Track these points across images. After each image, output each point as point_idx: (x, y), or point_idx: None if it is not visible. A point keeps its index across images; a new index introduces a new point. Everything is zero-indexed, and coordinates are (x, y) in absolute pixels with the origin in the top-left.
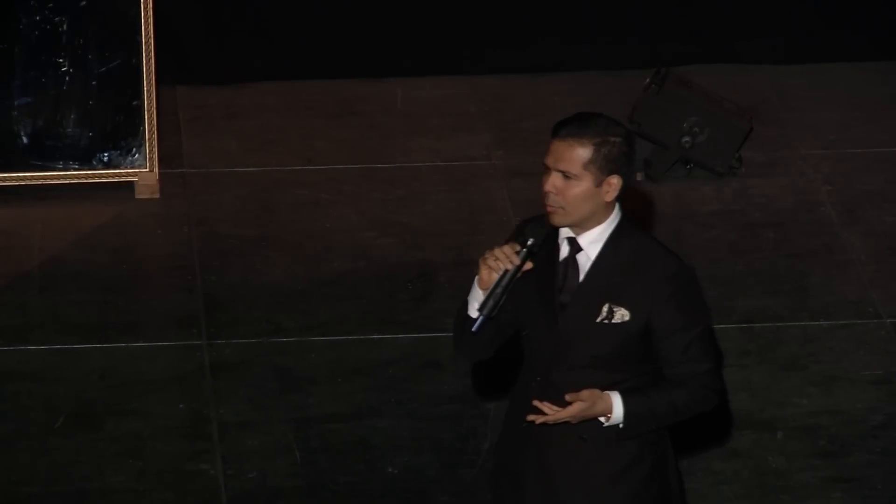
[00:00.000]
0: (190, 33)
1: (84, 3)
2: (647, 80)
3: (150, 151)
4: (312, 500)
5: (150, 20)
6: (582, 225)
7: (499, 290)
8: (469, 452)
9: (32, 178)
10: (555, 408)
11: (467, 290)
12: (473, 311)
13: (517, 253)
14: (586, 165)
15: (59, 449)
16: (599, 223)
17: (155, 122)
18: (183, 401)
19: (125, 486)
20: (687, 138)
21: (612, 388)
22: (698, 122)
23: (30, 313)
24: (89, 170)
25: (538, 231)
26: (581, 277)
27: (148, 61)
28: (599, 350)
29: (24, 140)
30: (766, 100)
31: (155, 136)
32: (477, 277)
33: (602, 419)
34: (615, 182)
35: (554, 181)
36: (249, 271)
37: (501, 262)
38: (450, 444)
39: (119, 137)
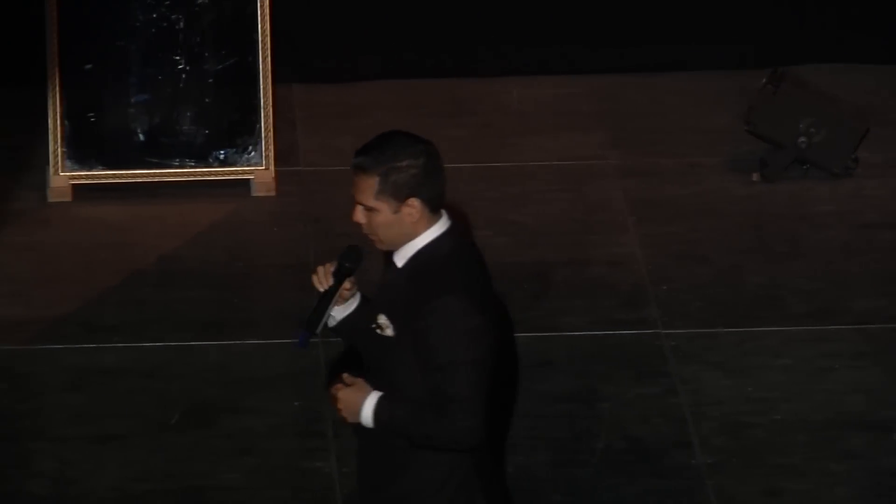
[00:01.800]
0: (306, 31)
1: (201, 0)
2: (763, 80)
3: (267, 149)
4: None
5: (267, 18)
6: (402, 244)
7: (321, 307)
8: (582, 452)
9: (148, 175)
10: (347, 381)
11: (582, 290)
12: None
13: (333, 274)
14: (378, 196)
15: (174, 446)
16: (411, 240)
17: (271, 119)
18: (297, 398)
19: (239, 483)
20: (803, 139)
21: (387, 392)
22: (815, 122)
23: (145, 310)
24: (205, 167)
25: (354, 254)
26: (382, 290)
27: (264, 59)
28: (374, 357)
29: (141, 137)
30: (883, 100)
31: (271, 133)
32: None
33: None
34: (415, 204)
35: (357, 214)
36: (364, 269)
37: (320, 282)
38: (563, 444)
39: (235, 135)
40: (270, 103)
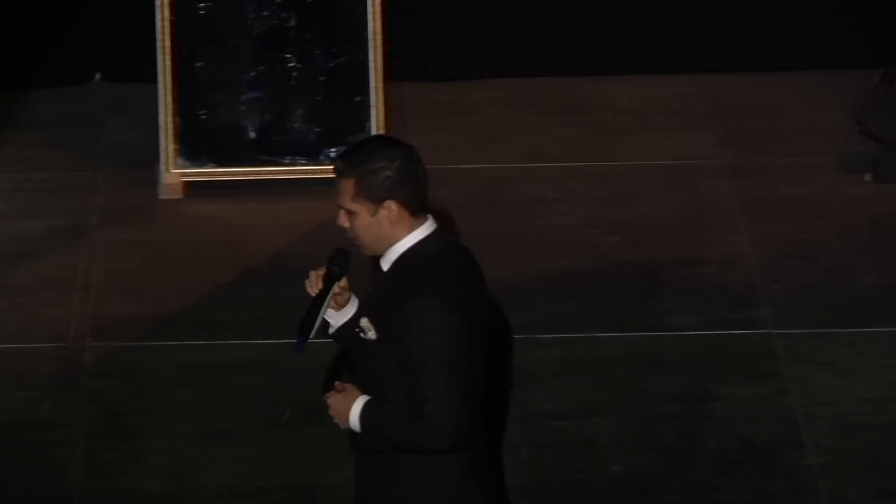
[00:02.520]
0: (418, 29)
1: None
2: (876, 80)
3: None
4: (538, 498)
5: (379, 16)
6: (385, 248)
7: (313, 311)
8: (694, 452)
9: (259, 172)
10: (339, 388)
11: (694, 289)
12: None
13: (323, 277)
14: (355, 199)
15: (286, 443)
16: (394, 244)
17: (382, 118)
18: None
19: (350, 480)
20: None
21: (374, 396)
22: None
23: (257, 308)
24: (316, 165)
25: (341, 259)
26: (369, 295)
27: (376, 57)
28: (361, 361)
29: (252, 135)
30: None
31: (383, 132)
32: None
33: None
34: (391, 206)
35: (341, 218)
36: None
37: (311, 287)
38: (675, 444)
39: (346, 133)
40: (382, 101)
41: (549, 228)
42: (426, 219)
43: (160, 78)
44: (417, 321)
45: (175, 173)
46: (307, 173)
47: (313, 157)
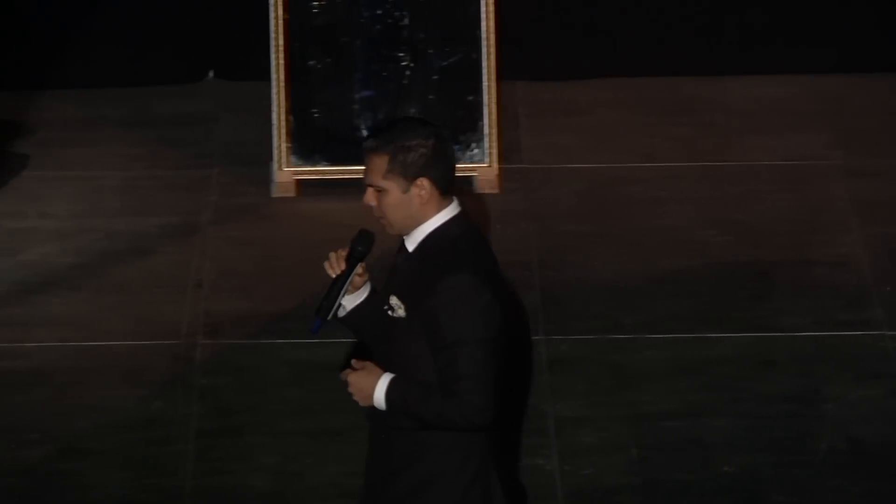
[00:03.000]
0: (531, 29)
1: None
2: None
3: (490, 147)
4: (648, 498)
5: (492, 15)
6: (412, 228)
7: (334, 293)
8: (805, 453)
9: None
10: (355, 365)
11: (805, 290)
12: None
13: (346, 259)
14: (386, 175)
15: None
16: (421, 224)
17: (495, 117)
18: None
19: None
20: None
21: (398, 374)
22: None
23: None
24: None
25: (367, 238)
26: (393, 273)
27: (489, 56)
28: (385, 340)
29: (364, 133)
30: None
31: (495, 131)
32: None
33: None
34: (424, 184)
35: (368, 196)
36: (587, 267)
37: (332, 268)
38: (785, 444)
39: (459, 132)
40: (494, 101)
41: (659, 228)
42: (452, 200)
43: (273, 76)
44: (452, 298)
45: (287, 171)
46: None
47: None
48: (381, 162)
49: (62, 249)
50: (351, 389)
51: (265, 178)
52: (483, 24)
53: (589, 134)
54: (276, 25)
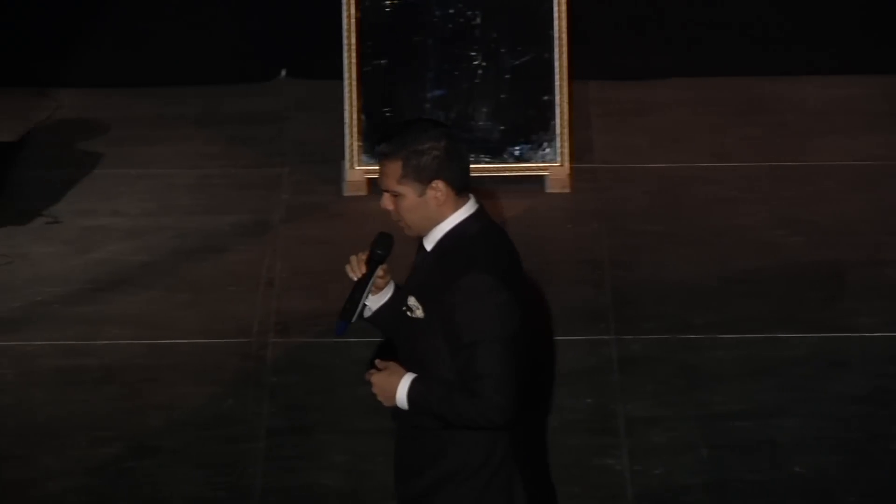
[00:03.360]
0: (603, 28)
1: None
2: None
3: (562, 146)
4: (717, 498)
5: (564, 15)
6: (429, 228)
7: (356, 295)
8: (877, 453)
9: None
10: (379, 365)
11: (878, 291)
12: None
13: (366, 262)
14: (401, 180)
15: None
16: (438, 224)
17: (567, 116)
18: (590, 395)
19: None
20: None
21: (420, 374)
22: None
23: None
24: (500, 163)
25: (386, 241)
26: (412, 274)
27: (561, 56)
28: (406, 340)
29: None
30: None
31: (567, 131)
32: None
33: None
34: (440, 186)
35: (384, 201)
36: (658, 267)
37: (353, 271)
38: (857, 445)
39: (531, 132)
40: (566, 100)
41: (732, 228)
42: (469, 198)
43: (345, 75)
44: (470, 297)
45: (359, 170)
46: (491, 171)
47: (497, 154)
48: (395, 167)
49: (134, 247)
50: (374, 390)
51: (337, 177)
52: (555, 23)
53: (661, 133)
54: (349, 24)
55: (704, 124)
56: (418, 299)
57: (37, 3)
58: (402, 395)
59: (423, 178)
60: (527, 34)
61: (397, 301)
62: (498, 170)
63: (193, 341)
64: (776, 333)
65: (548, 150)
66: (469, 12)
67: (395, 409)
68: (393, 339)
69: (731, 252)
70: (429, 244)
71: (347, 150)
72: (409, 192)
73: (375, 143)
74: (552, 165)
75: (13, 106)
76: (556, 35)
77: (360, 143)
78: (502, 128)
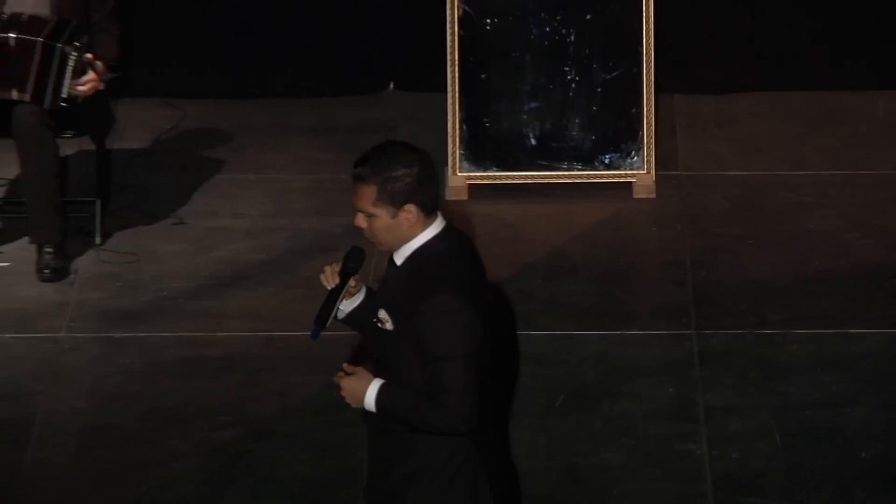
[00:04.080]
0: (688, 45)
1: (589, 16)
2: None
3: (648, 155)
4: (791, 482)
5: (651, 32)
6: (400, 246)
7: (329, 304)
8: None
9: (539, 177)
10: (346, 369)
11: None
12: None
13: (339, 273)
14: (376, 203)
15: (558, 427)
16: (408, 242)
17: (653, 127)
18: (672, 385)
19: (617, 462)
20: None
21: (388, 380)
22: None
23: (533, 301)
24: (591, 171)
25: (357, 255)
26: (381, 288)
27: (648, 71)
28: (376, 348)
29: (532, 142)
30: None
31: (653, 140)
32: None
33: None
34: (411, 210)
35: (358, 220)
36: (737, 267)
37: (327, 281)
38: None
39: (619, 141)
40: (653, 112)
41: (806, 232)
42: (437, 216)
43: (448, 88)
44: (436, 317)
45: (460, 176)
46: (583, 178)
47: (588, 162)
48: (370, 191)
49: (252, 247)
50: (343, 392)
51: (440, 182)
52: (643, 40)
53: (741, 143)
54: (452, 41)
55: (782, 135)
56: (388, 313)
57: (164, 22)
58: (370, 400)
59: (396, 203)
60: (617, 51)
61: (368, 305)
62: (589, 176)
63: (306, 333)
64: (846, 329)
65: (635, 159)
66: (563, 30)
67: (364, 411)
68: (366, 339)
69: (805, 253)
70: (399, 259)
71: (450, 158)
72: (382, 213)
73: (356, 165)
74: (639, 173)
75: (143, 116)
76: (643, 51)
77: (462, 152)
78: (593, 138)
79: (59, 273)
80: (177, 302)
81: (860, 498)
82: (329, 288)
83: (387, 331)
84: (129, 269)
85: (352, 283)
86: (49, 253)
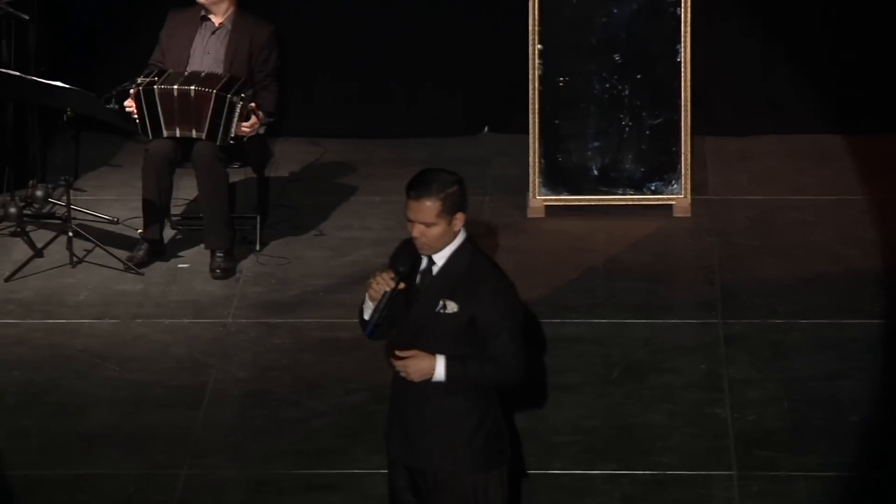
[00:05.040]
0: (715, 98)
1: (640, 76)
2: None
3: (685, 183)
4: (796, 439)
5: (688, 88)
6: (443, 248)
7: (382, 304)
8: None
9: (599, 199)
10: (401, 354)
11: None
12: (367, 315)
13: (392, 278)
14: (439, 214)
15: (613, 394)
16: (447, 244)
17: (689, 162)
18: (703, 362)
19: (660, 423)
20: None
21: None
22: None
23: (595, 296)
24: (640, 195)
25: (407, 260)
26: (429, 282)
27: (685, 118)
28: (437, 332)
29: (595, 172)
30: None
31: (689, 172)
32: (367, 292)
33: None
34: (461, 217)
35: (419, 230)
36: (754, 271)
37: (383, 285)
38: None
39: (663, 172)
40: (689, 150)
41: (808, 244)
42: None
43: (530, 131)
44: (498, 296)
45: (539, 199)
46: (634, 201)
47: (639, 189)
48: (434, 206)
49: (378, 252)
50: (408, 371)
51: (523, 204)
52: (682, 94)
53: (757, 174)
54: (533, 94)
55: (789, 168)
56: (450, 299)
57: (308, 79)
58: (440, 371)
59: (452, 212)
60: (661, 102)
61: (400, 300)
62: (639, 200)
63: None
64: (839, 320)
65: (675, 186)
66: (619, 86)
67: (402, 388)
68: (399, 325)
69: (807, 260)
70: (439, 259)
71: (531, 185)
72: (442, 223)
73: (415, 187)
74: (678, 197)
75: (293, 151)
76: (682, 103)
77: (540, 180)
78: (643, 170)
79: (227, 273)
80: (318, 295)
81: (849, 450)
82: (385, 291)
83: (449, 315)
84: (282, 269)
85: (401, 284)
86: (220, 257)
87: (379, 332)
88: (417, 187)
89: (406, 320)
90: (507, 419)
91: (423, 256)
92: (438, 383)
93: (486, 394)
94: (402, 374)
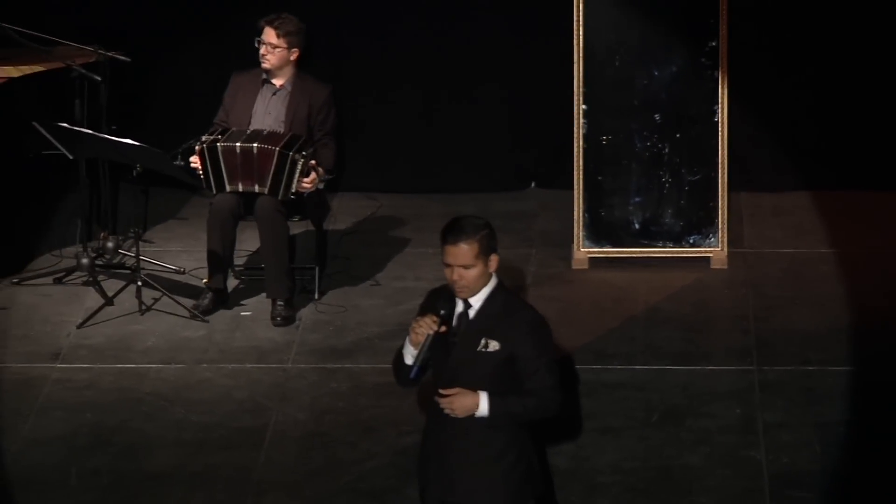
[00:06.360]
0: (750, 156)
1: (678, 135)
2: None
3: (722, 236)
4: (828, 480)
5: (725, 147)
6: (480, 290)
7: (425, 347)
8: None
9: (641, 252)
10: (445, 393)
11: None
12: (409, 359)
13: (435, 321)
14: (477, 256)
15: (653, 437)
16: (483, 286)
17: (726, 216)
18: (739, 407)
19: (698, 465)
20: None
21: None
22: None
23: (635, 343)
24: (679, 248)
25: (447, 304)
26: (466, 324)
27: (722, 175)
28: (478, 370)
29: (636, 226)
30: None
31: (725, 226)
32: (408, 337)
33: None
34: (495, 258)
35: (458, 273)
36: (787, 320)
37: (426, 328)
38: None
39: (701, 226)
40: (725, 205)
41: (839, 295)
42: None
43: (575, 186)
44: (535, 333)
45: (583, 251)
46: (673, 253)
47: (678, 241)
48: (472, 249)
49: None
50: (452, 407)
51: (567, 256)
52: (718, 153)
53: (790, 228)
54: (577, 152)
55: (820, 222)
56: (491, 338)
57: (365, 141)
58: (483, 408)
59: (488, 253)
60: (699, 160)
61: (437, 343)
62: (678, 252)
63: None
64: (869, 367)
65: (712, 239)
66: (660, 145)
67: (440, 423)
68: (437, 366)
69: (838, 310)
70: (476, 302)
71: (575, 238)
72: (479, 264)
73: (452, 233)
74: (715, 250)
75: (350, 205)
76: (718, 161)
77: (584, 233)
78: (681, 224)
79: (287, 320)
80: (373, 342)
81: (879, 493)
82: (429, 333)
83: (491, 352)
84: (339, 317)
85: (443, 327)
86: (280, 305)
87: (421, 374)
88: (453, 233)
89: (445, 362)
90: (552, 459)
91: (458, 301)
92: (480, 419)
93: (521, 430)
94: (447, 411)
